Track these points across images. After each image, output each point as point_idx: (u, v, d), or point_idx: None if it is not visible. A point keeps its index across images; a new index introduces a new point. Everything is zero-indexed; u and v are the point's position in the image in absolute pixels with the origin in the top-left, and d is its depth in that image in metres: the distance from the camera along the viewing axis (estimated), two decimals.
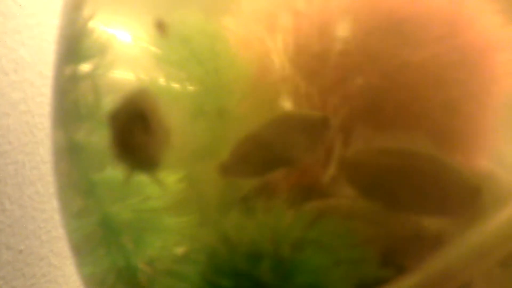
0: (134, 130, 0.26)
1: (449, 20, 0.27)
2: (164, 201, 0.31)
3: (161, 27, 0.30)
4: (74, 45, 0.33)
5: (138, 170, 0.29)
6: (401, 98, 0.27)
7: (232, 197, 0.29)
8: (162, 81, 0.31)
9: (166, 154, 0.30)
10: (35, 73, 0.48)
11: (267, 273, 0.24)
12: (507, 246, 0.24)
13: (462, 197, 0.25)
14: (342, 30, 0.28)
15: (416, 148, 0.26)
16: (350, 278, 0.25)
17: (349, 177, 0.27)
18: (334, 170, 0.26)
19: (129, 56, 0.32)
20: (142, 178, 0.31)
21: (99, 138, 0.31)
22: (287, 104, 0.29)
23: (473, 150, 0.29)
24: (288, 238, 0.25)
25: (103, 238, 0.32)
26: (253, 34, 0.30)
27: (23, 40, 0.46)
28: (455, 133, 0.28)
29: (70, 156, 0.34)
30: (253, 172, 0.28)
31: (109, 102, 0.31)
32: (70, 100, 0.33)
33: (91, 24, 0.32)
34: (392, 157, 0.26)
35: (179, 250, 0.30)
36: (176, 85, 0.31)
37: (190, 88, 0.31)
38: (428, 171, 0.26)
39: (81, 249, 0.35)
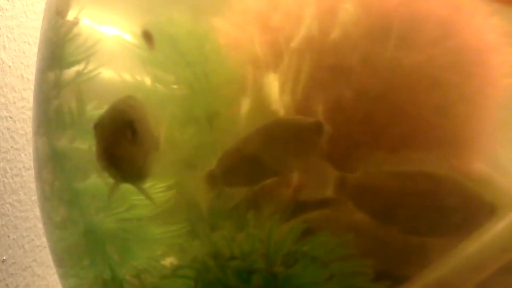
0: (121, 140, 0.25)
1: (444, 22, 0.27)
2: (151, 210, 0.30)
3: (148, 38, 0.29)
4: (57, 51, 0.32)
5: (124, 182, 0.27)
6: (395, 101, 0.27)
7: (223, 208, 0.28)
8: (149, 85, 0.30)
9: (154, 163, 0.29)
10: (16, 77, 0.46)
11: None
12: (504, 257, 0.23)
13: (479, 216, 0.24)
14: (335, 32, 0.27)
15: (430, 169, 0.26)
16: None
17: (359, 201, 0.26)
18: (337, 192, 0.25)
19: (116, 60, 0.31)
20: (126, 186, 0.30)
21: (83, 146, 0.30)
22: (279, 107, 0.28)
23: (469, 153, 0.28)
24: (280, 252, 0.24)
25: (87, 249, 0.31)
26: (244, 35, 0.30)
27: (4, 43, 0.45)
28: (451, 136, 0.28)
29: (53, 164, 0.32)
30: (242, 182, 0.27)
31: (94, 109, 0.30)
32: (54, 106, 0.32)
33: (75, 29, 0.31)
34: (406, 180, 0.25)
35: (167, 262, 0.29)
36: (163, 89, 0.30)
37: (179, 92, 0.31)
38: (445, 193, 0.25)
39: (65, 260, 0.34)
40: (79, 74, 0.30)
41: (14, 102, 0.46)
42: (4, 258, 0.45)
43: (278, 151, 0.26)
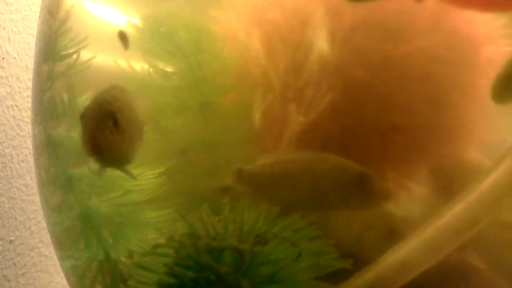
0: (103, 128, 0.27)
1: (435, 14, 0.27)
2: (145, 195, 0.31)
3: (123, 38, 0.30)
4: (51, 44, 0.33)
5: (108, 166, 0.29)
6: (385, 91, 0.27)
7: (203, 194, 0.29)
8: (144, 75, 0.31)
9: (144, 149, 0.30)
10: (22, 68, 0.48)
11: (228, 266, 0.25)
12: (459, 239, 0.24)
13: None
14: (327, 24, 0.28)
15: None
16: (310, 269, 0.26)
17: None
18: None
19: (110, 51, 0.32)
20: (121, 173, 0.31)
21: (75, 134, 0.32)
22: (270, 99, 0.29)
23: (461, 142, 0.29)
24: (252, 233, 0.26)
25: (82, 232, 0.33)
26: (240, 27, 0.30)
27: (9, 36, 0.47)
28: (442, 126, 0.28)
29: (49, 151, 0.34)
30: (264, 198, 0.28)
31: (88, 99, 0.31)
32: (48, 97, 0.34)
33: (68, 23, 0.33)
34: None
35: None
36: (159, 79, 0.31)
37: (174, 82, 0.31)
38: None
39: (62, 243, 0.36)
40: (70, 66, 0.31)
41: (20, 92, 0.48)
42: (12, 238, 0.48)
43: (313, 190, 0.27)
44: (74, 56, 0.32)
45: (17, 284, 0.48)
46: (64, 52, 0.32)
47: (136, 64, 0.31)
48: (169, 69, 0.31)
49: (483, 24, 0.28)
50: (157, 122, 0.31)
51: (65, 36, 0.32)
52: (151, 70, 0.31)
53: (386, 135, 0.28)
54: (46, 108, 0.34)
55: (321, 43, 0.28)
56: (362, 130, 0.28)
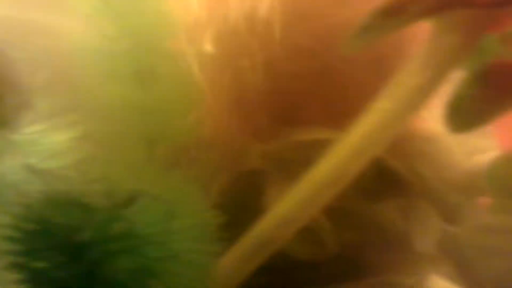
0: None
1: None
2: (65, 161, 0.30)
3: None
4: None
5: None
6: (328, 59, 0.27)
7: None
8: (77, 37, 0.30)
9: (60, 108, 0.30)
10: None
11: (83, 221, 0.23)
12: (329, 193, 0.24)
13: None
14: None
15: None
16: (184, 230, 0.24)
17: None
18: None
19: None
20: (35, 137, 0.30)
21: None
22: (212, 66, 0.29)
23: None
24: (120, 190, 0.24)
25: None
26: None
27: None
28: None
29: None
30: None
31: None
32: None
33: None
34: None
35: None
36: (92, 43, 0.30)
37: (108, 47, 0.30)
38: None
39: None
40: None
41: None
42: None
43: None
44: None
45: None
46: None
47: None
48: (104, 32, 0.29)
49: None
50: (88, 86, 0.30)
51: None
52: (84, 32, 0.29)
53: (329, 103, 0.28)
54: None
55: (265, 6, 0.27)
56: (304, 98, 0.28)
